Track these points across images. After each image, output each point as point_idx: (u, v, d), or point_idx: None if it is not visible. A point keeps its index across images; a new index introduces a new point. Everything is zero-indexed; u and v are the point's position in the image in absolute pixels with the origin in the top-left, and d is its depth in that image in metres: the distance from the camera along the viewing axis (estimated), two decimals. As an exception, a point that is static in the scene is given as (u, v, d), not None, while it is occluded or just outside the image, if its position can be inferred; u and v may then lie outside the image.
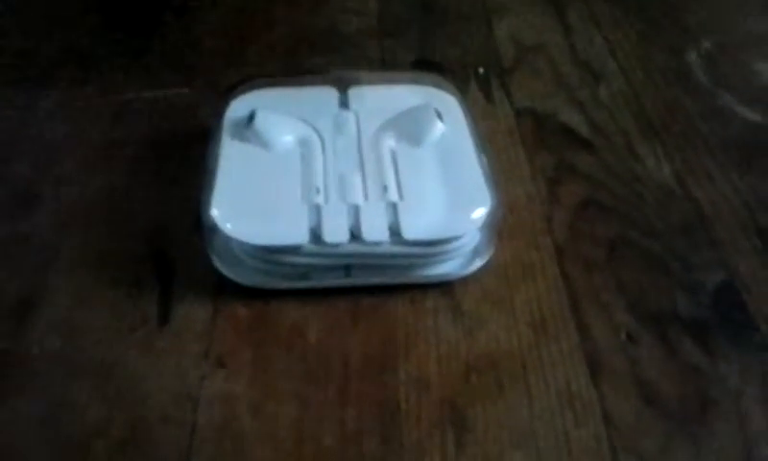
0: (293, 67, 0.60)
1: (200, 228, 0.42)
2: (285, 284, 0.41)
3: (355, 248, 0.40)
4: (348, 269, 0.41)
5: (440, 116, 0.46)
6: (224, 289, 0.41)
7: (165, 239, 0.44)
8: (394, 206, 0.41)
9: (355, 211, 0.41)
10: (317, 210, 0.40)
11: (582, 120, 0.54)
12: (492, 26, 0.65)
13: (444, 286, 0.42)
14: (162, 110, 0.55)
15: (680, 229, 0.46)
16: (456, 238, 0.40)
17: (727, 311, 0.41)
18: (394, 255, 0.40)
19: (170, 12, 0.66)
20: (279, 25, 0.64)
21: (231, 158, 0.43)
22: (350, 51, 0.61)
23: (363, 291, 0.41)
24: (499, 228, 0.43)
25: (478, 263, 0.42)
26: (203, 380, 0.37)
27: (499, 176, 0.45)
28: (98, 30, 0.64)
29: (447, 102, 0.48)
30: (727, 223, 0.46)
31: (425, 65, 0.60)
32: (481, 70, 0.59)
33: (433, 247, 0.40)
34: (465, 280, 0.42)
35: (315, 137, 0.45)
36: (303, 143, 0.45)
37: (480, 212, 0.41)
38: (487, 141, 0.48)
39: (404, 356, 0.39)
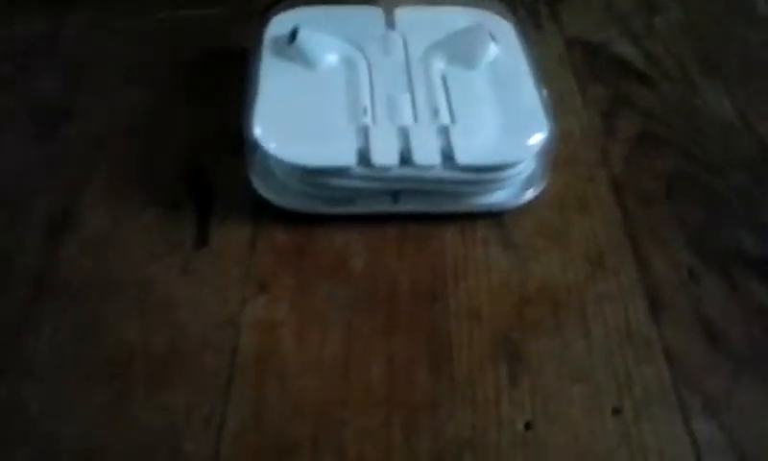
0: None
1: (240, 148, 0.40)
2: (329, 209, 0.39)
3: (405, 172, 0.37)
4: (395, 195, 0.39)
5: (493, 39, 0.43)
6: (264, 213, 0.39)
7: (202, 160, 0.42)
8: (445, 130, 0.38)
9: (405, 134, 0.38)
10: (364, 132, 0.38)
11: (637, 52, 0.51)
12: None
13: (495, 216, 0.40)
14: (196, 31, 0.52)
15: (742, 164, 0.43)
16: (511, 165, 0.38)
17: (794, 250, 0.39)
18: (445, 181, 0.38)
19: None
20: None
21: (273, 77, 0.41)
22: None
23: (410, 218, 0.39)
24: (554, 157, 0.41)
25: (532, 193, 0.40)
26: (243, 305, 0.35)
27: (555, 109, 0.42)
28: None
29: (501, 25, 0.45)
30: (793, 160, 0.44)
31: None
32: (529, -4, 0.56)
33: (487, 173, 0.38)
34: (516, 211, 0.40)
35: (361, 58, 0.43)
36: (349, 63, 0.42)
37: (537, 138, 0.39)
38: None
39: (454, 286, 0.37)
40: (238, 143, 0.39)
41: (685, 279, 0.37)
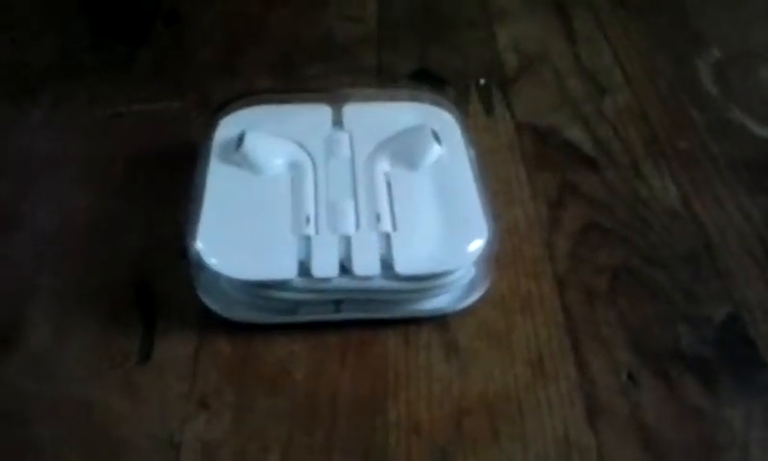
0: (287, 78, 0.58)
1: (185, 257, 0.40)
2: (273, 319, 0.40)
3: (345, 283, 0.38)
4: (337, 303, 0.40)
5: (437, 138, 0.44)
6: (208, 322, 0.40)
7: (149, 267, 0.43)
8: (387, 237, 0.39)
9: (346, 243, 0.39)
10: (306, 242, 0.39)
11: (586, 136, 0.52)
12: (495, 33, 0.63)
13: (439, 319, 0.40)
14: (151, 125, 0.53)
15: (685, 256, 0.44)
16: (451, 272, 0.39)
17: (732, 348, 0.39)
18: (385, 290, 0.39)
19: (160, 20, 0.64)
20: (273, 32, 0.62)
21: (218, 185, 0.42)
22: (347, 60, 0.59)
23: (353, 324, 0.40)
24: (497, 256, 0.41)
25: (474, 296, 0.40)
26: (184, 423, 0.36)
27: (499, 199, 0.43)
28: (86, 38, 0.62)
29: (445, 121, 0.46)
30: (734, 250, 0.44)
31: (424, 76, 0.58)
32: (482, 81, 0.57)
33: (427, 281, 0.39)
34: (460, 313, 0.40)
35: (307, 160, 0.44)
36: (294, 167, 0.43)
37: (476, 245, 0.39)
38: (486, 159, 0.46)
39: (394, 397, 0.37)
40: (184, 251, 0.40)
41: (624, 382, 0.38)
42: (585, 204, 0.47)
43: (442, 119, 0.46)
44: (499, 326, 0.40)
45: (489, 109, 0.55)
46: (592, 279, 0.43)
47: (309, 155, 0.44)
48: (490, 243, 0.39)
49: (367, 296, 0.39)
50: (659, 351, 0.39)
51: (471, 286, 0.40)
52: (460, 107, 0.51)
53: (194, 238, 0.39)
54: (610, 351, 0.39)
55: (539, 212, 0.47)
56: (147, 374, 0.38)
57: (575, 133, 0.53)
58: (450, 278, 0.39)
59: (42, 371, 0.38)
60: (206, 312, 0.40)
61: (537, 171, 0.50)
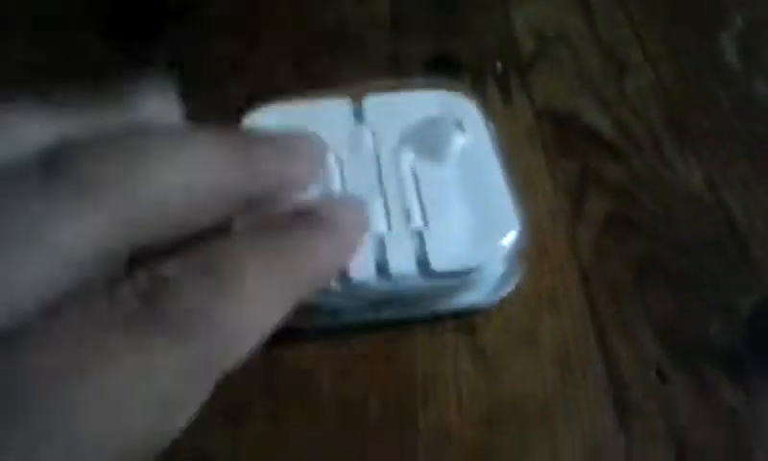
0: (301, 69, 0.57)
1: None
2: (313, 323, 0.39)
3: (383, 284, 0.37)
4: (375, 304, 0.39)
5: (461, 127, 0.43)
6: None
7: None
8: (419, 235, 0.39)
9: (380, 243, 0.38)
10: None
11: (607, 121, 0.52)
12: (510, 14, 0.61)
13: (465, 318, 0.40)
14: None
15: (712, 244, 0.44)
16: (486, 266, 0.38)
17: (763, 340, 0.39)
18: (422, 289, 0.38)
19: (172, 13, 0.63)
20: (285, 23, 0.62)
21: None
22: (361, 49, 0.58)
23: (379, 330, 0.40)
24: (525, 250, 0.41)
25: (508, 289, 0.40)
26: (214, 436, 0.36)
27: (523, 191, 0.42)
28: (99, 37, 0.61)
29: (468, 110, 0.45)
30: (762, 236, 0.44)
31: (440, 63, 0.57)
32: (499, 66, 0.56)
33: (462, 277, 0.38)
34: (486, 312, 0.40)
35: (331, 158, 0.43)
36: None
37: (510, 238, 0.39)
38: (505, 147, 0.45)
39: (423, 403, 0.37)
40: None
41: (653, 378, 0.38)
42: (608, 193, 0.47)
43: (464, 108, 0.45)
44: (525, 324, 0.40)
45: (506, 96, 0.54)
46: (618, 272, 0.42)
47: (334, 152, 0.43)
48: (521, 235, 0.39)
49: (403, 296, 0.39)
50: (687, 344, 0.39)
51: (504, 279, 0.40)
52: (477, 93, 0.50)
53: None
54: (638, 346, 0.39)
55: (561, 204, 0.46)
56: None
57: (596, 118, 0.52)
58: (485, 272, 0.39)
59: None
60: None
61: (557, 160, 0.49)
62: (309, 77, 0.56)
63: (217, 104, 0.54)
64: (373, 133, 0.44)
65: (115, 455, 0.22)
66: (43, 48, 0.60)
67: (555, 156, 0.49)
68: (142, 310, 0.24)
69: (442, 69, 0.57)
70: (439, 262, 0.38)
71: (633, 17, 0.60)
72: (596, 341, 0.39)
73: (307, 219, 0.31)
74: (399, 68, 0.57)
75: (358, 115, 0.46)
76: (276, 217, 0.32)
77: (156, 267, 0.25)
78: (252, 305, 0.27)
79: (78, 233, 0.23)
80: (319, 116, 0.46)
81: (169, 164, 0.26)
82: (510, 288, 0.40)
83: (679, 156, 0.49)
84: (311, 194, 0.32)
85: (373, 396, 0.38)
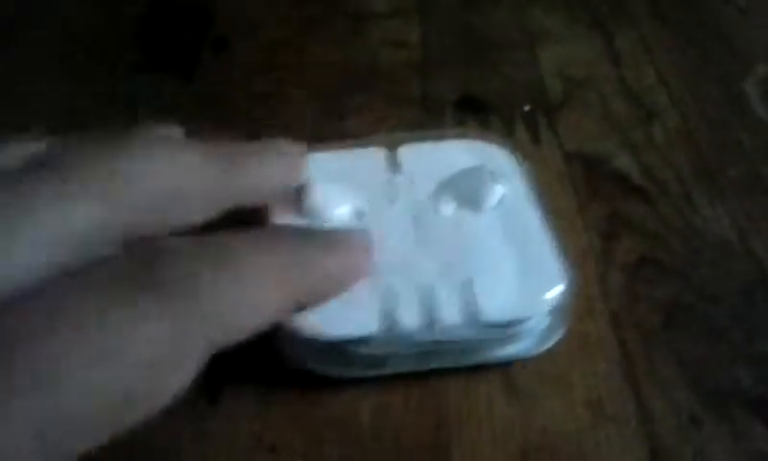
0: (331, 110, 0.58)
1: None
2: (362, 373, 0.39)
3: (429, 333, 0.38)
4: (422, 354, 0.39)
5: (496, 177, 0.43)
6: (278, 370, 0.40)
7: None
8: (466, 285, 0.39)
9: (427, 292, 0.38)
10: (386, 295, 0.38)
11: (635, 165, 0.53)
12: (538, 56, 0.63)
13: (498, 365, 0.41)
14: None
15: (741, 291, 0.44)
16: (532, 318, 0.39)
17: (794, 387, 0.39)
18: (469, 339, 0.38)
19: (208, 47, 0.65)
20: (317, 60, 0.63)
21: None
22: (391, 89, 0.60)
23: (414, 376, 0.40)
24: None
25: (553, 341, 0.40)
26: (254, 469, 0.37)
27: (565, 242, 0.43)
28: (137, 72, 0.63)
29: (502, 159, 0.46)
30: (792, 284, 0.44)
31: (469, 104, 0.58)
32: (527, 108, 0.57)
33: (509, 328, 0.38)
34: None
35: (369, 207, 0.43)
36: (359, 215, 0.43)
37: (555, 291, 0.39)
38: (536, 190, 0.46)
39: (458, 439, 0.38)
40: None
41: (686, 424, 0.38)
42: (637, 236, 0.48)
43: (498, 157, 0.46)
44: (558, 366, 0.41)
45: (535, 138, 0.55)
46: (648, 316, 0.43)
47: (371, 201, 0.43)
48: (567, 289, 0.39)
49: (449, 346, 0.39)
50: (719, 392, 0.39)
51: (549, 331, 0.40)
52: (507, 136, 0.51)
53: None
54: (669, 391, 0.39)
55: (592, 246, 0.47)
56: (216, 417, 0.39)
57: (624, 162, 0.53)
58: (531, 323, 0.39)
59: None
60: (275, 360, 0.40)
61: (588, 202, 0.50)
62: (341, 114, 0.57)
63: (251, 136, 0.55)
64: (410, 183, 0.44)
65: (99, 408, 0.23)
66: (77, 81, 0.62)
67: (585, 199, 0.50)
68: (138, 271, 0.25)
69: (470, 110, 0.58)
70: (487, 314, 0.38)
71: (658, 64, 0.62)
72: (628, 385, 0.40)
73: (309, 232, 0.33)
74: (428, 108, 0.58)
75: (393, 164, 0.46)
76: (280, 227, 0.34)
77: (158, 240, 0.26)
78: (249, 289, 0.28)
79: (74, 215, 0.25)
80: (354, 164, 0.46)
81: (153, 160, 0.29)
82: (555, 340, 0.40)
83: (706, 201, 0.50)
84: None
85: (408, 431, 0.38)
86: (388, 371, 0.39)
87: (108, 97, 0.60)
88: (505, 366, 0.40)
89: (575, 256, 0.46)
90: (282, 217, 0.42)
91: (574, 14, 0.68)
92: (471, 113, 0.57)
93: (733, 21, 0.66)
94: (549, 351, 0.41)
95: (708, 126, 0.56)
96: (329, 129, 0.55)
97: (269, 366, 0.40)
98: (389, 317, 0.37)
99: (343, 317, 0.37)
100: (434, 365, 0.40)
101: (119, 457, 0.37)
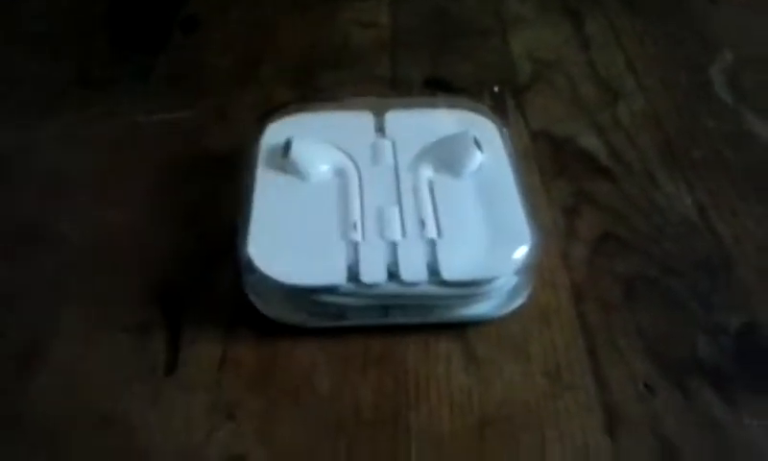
0: (302, 87, 0.58)
1: (217, 263, 0.41)
2: (321, 323, 0.40)
3: (393, 288, 0.39)
4: (385, 308, 0.40)
5: (478, 145, 0.44)
6: (234, 331, 0.41)
7: (177, 278, 0.43)
8: (432, 243, 0.40)
9: (393, 249, 0.40)
10: (354, 247, 0.40)
11: (601, 145, 0.53)
12: (508, 39, 0.63)
13: (458, 329, 0.41)
14: (171, 135, 0.54)
15: (701, 266, 0.45)
16: (496, 278, 0.39)
17: (749, 358, 0.40)
18: (432, 296, 0.39)
19: (178, 27, 0.65)
20: (289, 40, 0.63)
21: (267, 191, 0.43)
22: (361, 69, 0.60)
23: (374, 333, 0.40)
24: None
25: (518, 302, 0.41)
26: (210, 434, 0.36)
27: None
28: (106, 51, 0.62)
29: (487, 129, 0.47)
30: (750, 260, 0.45)
31: (437, 84, 0.58)
32: (496, 89, 0.58)
33: (472, 287, 0.39)
34: (478, 323, 0.41)
35: (351, 167, 0.44)
36: (340, 173, 0.44)
37: (521, 252, 0.40)
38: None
39: (416, 408, 0.38)
40: (217, 257, 0.41)
41: (642, 391, 0.38)
42: (601, 213, 0.48)
43: (482, 126, 0.47)
44: (517, 335, 0.41)
45: (504, 117, 0.55)
46: (609, 288, 0.43)
47: (354, 161, 0.45)
48: (533, 250, 0.40)
49: (413, 301, 0.40)
50: (676, 361, 0.40)
51: (514, 292, 0.41)
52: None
53: (245, 243, 0.39)
54: (627, 361, 0.40)
55: (556, 222, 0.47)
56: (173, 385, 0.38)
57: (590, 142, 0.53)
58: (496, 284, 0.39)
59: (69, 384, 0.38)
60: (232, 320, 0.41)
61: (552, 180, 0.50)
62: (310, 90, 0.57)
63: (221, 110, 0.55)
64: (394, 146, 0.46)
65: None
66: (52, 57, 0.62)
67: (550, 176, 0.51)
68: None
69: (438, 90, 0.58)
70: (449, 271, 0.39)
71: (627, 49, 0.62)
72: (586, 355, 0.40)
73: None
74: (397, 87, 0.58)
75: (380, 128, 0.47)
76: None
77: None
78: None
79: None
80: (342, 126, 0.47)
81: None
82: (519, 303, 0.41)
83: (669, 180, 0.50)
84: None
85: (366, 399, 0.38)
86: (350, 322, 0.40)
87: (78, 74, 0.60)
88: (465, 330, 0.41)
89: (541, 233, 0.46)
90: (267, 172, 0.44)
91: (546, 1, 0.68)
92: (440, 93, 0.57)
93: (702, 9, 0.67)
94: (509, 319, 0.41)
95: (674, 109, 0.56)
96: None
97: (223, 334, 0.40)
98: (354, 269, 0.39)
99: (311, 266, 0.39)
100: (396, 320, 0.40)
101: (78, 428, 0.37)
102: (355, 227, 0.40)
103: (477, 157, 0.44)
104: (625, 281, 0.44)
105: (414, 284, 0.39)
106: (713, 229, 0.47)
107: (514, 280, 0.41)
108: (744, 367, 0.39)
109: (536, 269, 0.42)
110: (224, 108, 0.55)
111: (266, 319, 0.40)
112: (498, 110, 0.55)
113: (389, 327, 0.40)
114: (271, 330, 0.40)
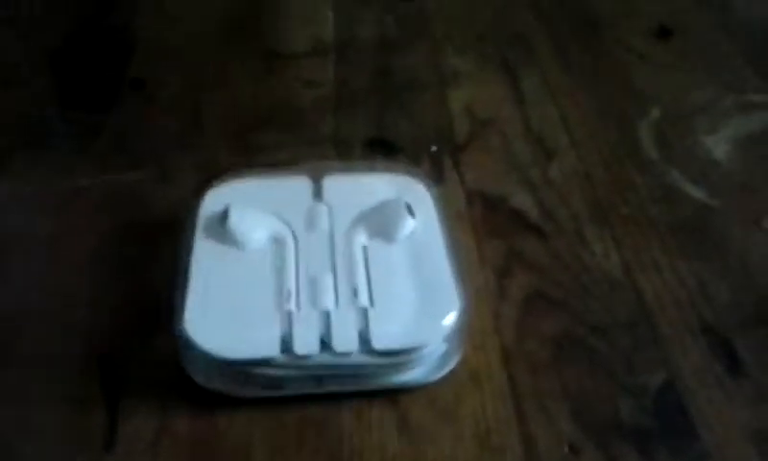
0: (244, 145, 0.59)
1: (155, 331, 0.43)
2: (258, 393, 0.41)
3: (326, 358, 0.40)
4: (319, 378, 0.41)
5: (411, 211, 0.46)
6: (171, 402, 0.41)
7: (115, 346, 0.44)
8: (364, 312, 0.41)
9: (326, 318, 0.41)
10: (288, 317, 0.41)
11: (533, 203, 0.55)
12: (448, 96, 0.65)
13: (391, 395, 0.42)
14: (115, 198, 0.55)
15: (625, 324, 0.47)
16: (426, 346, 0.41)
17: (668, 417, 0.42)
18: (363, 365, 0.41)
19: (126, 86, 0.66)
20: (233, 99, 0.64)
21: (204, 261, 0.44)
22: (304, 128, 0.61)
23: (309, 402, 0.42)
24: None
25: (450, 366, 0.43)
26: (146, 509, 0.37)
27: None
28: (53, 107, 0.63)
29: (419, 193, 0.49)
30: (671, 318, 0.47)
31: (379, 144, 0.60)
32: (434, 148, 0.60)
33: (403, 356, 0.41)
34: (410, 389, 0.42)
35: (288, 234, 0.46)
36: (277, 241, 0.45)
37: (450, 318, 0.41)
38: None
39: (350, 475, 0.39)
40: (154, 326, 0.42)
41: (567, 454, 0.40)
42: (531, 272, 0.50)
43: (415, 191, 0.49)
44: (449, 399, 0.42)
45: (440, 177, 0.57)
46: (537, 349, 0.45)
47: (290, 228, 0.46)
48: (462, 315, 0.42)
49: (346, 371, 0.41)
50: (599, 422, 0.41)
51: (445, 358, 0.43)
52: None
53: (181, 318, 0.40)
54: (554, 422, 0.41)
55: (487, 282, 0.49)
56: (110, 459, 0.39)
57: (522, 200, 0.55)
58: (425, 351, 0.41)
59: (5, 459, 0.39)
60: (168, 391, 0.42)
61: (486, 240, 0.52)
62: (252, 151, 0.59)
63: (165, 173, 0.56)
64: (330, 212, 0.47)
65: None
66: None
67: (483, 236, 0.52)
68: None
69: (378, 150, 0.60)
70: (380, 341, 0.40)
71: (560, 105, 0.65)
72: (515, 417, 0.42)
73: None
74: (338, 147, 0.60)
75: (317, 193, 0.49)
76: None
77: None
78: None
79: None
80: (279, 192, 0.49)
81: None
82: (451, 367, 0.43)
83: (598, 239, 0.52)
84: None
85: (302, 468, 0.39)
86: (286, 392, 0.41)
87: (23, 134, 0.60)
88: (398, 396, 0.42)
89: (471, 292, 0.48)
90: (205, 242, 0.45)
91: (484, 56, 0.71)
92: (380, 153, 0.59)
93: (632, 66, 0.70)
94: (441, 383, 0.43)
95: (603, 167, 0.59)
96: (241, 165, 0.56)
97: (159, 405, 0.41)
98: (288, 341, 0.40)
99: (245, 338, 0.40)
100: (331, 389, 0.42)
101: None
102: (290, 296, 0.42)
103: (409, 224, 0.46)
104: (553, 341, 0.46)
105: (346, 354, 0.40)
106: (637, 286, 0.49)
107: (444, 347, 0.42)
108: (663, 426, 0.41)
109: (467, 332, 0.43)
110: (167, 170, 0.56)
111: (203, 390, 0.41)
112: (436, 171, 0.57)
113: (324, 395, 0.42)
114: (208, 401, 0.41)
